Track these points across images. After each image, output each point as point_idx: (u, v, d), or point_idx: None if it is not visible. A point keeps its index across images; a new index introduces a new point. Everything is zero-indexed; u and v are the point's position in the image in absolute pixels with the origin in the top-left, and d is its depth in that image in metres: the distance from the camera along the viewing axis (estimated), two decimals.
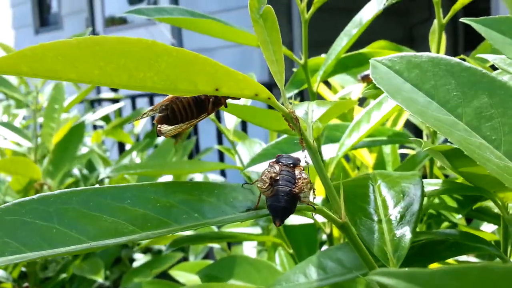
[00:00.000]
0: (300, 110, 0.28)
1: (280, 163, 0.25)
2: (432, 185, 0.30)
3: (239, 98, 0.24)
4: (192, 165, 0.58)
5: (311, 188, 0.24)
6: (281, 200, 0.23)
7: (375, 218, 0.26)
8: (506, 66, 0.31)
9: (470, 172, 0.26)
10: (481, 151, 0.22)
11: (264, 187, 0.23)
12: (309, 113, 0.27)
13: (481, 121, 0.23)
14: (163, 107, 0.26)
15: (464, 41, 2.60)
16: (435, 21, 0.59)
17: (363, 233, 0.25)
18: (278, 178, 0.24)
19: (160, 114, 0.26)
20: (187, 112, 0.26)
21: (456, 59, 0.25)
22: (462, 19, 0.32)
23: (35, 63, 0.18)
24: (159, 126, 0.26)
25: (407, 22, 2.82)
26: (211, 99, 0.26)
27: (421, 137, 0.68)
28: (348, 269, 0.30)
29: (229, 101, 0.28)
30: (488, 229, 0.61)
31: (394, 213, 0.26)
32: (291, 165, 0.25)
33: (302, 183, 0.24)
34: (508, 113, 0.23)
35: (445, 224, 0.55)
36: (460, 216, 0.57)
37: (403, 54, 0.27)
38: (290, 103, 0.25)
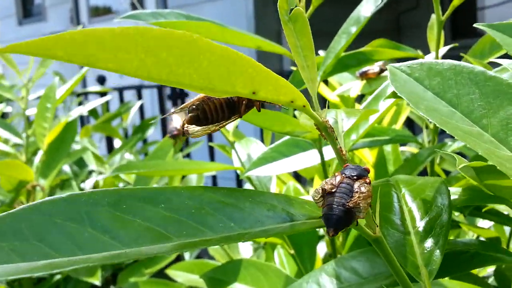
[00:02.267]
0: (329, 118, 0.27)
1: (344, 175, 0.24)
2: (451, 193, 0.30)
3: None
4: (191, 165, 0.57)
5: (369, 203, 0.23)
6: (335, 210, 0.22)
7: (402, 229, 0.26)
8: None
9: (494, 184, 0.26)
10: (509, 164, 0.22)
11: (316, 198, 0.23)
12: (339, 122, 0.26)
13: (508, 133, 0.23)
14: (194, 106, 0.25)
15: (451, 29, 2.61)
16: (433, 16, 0.58)
17: (392, 246, 0.25)
18: (334, 190, 0.23)
19: (190, 114, 0.25)
20: (219, 113, 0.25)
21: (479, 68, 0.25)
22: (475, 25, 0.31)
23: (73, 49, 0.17)
24: (187, 126, 0.25)
25: (394, 10, 2.82)
26: (244, 101, 0.25)
27: (421, 134, 0.67)
28: (364, 279, 0.29)
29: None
30: (484, 225, 0.61)
31: (422, 224, 0.25)
32: (355, 177, 0.23)
33: (359, 197, 0.22)
34: None
35: None
36: (457, 213, 0.57)
37: (423, 61, 0.26)
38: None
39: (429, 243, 0.25)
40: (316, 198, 0.23)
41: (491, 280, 0.55)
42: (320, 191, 0.23)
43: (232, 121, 0.26)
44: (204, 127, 0.25)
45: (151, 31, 0.17)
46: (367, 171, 0.24)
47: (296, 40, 0.24)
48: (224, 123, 0.26)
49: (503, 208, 0.44)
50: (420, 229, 0.25)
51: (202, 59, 0.18)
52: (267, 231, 0.22)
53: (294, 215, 0.23)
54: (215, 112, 0.25)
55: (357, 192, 0.23)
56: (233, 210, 0.22)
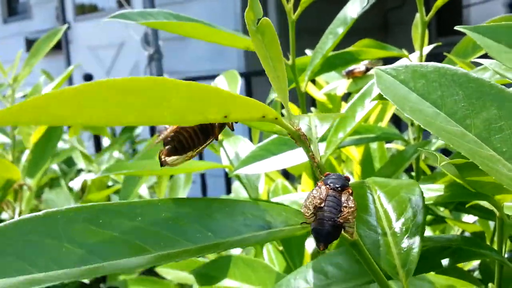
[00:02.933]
0: (302, 124, 0.27)
1: (328, 186, 0.24)
2: (434, 190, 0.30)
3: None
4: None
5: (355, 217, 0.23)
6: (325, 225, 0.22)
7: (379, 230, 0.26)
8: (502, 71, 0.31)
9: (476, 180, 0.27)
10: (492, 163, 0.23)
11: (307, 214, 0.23)
12: (313, 128, 0.27)
13: (491, 132, 0.24)
14: (169, 139, 0.25)
15: (436, 27, 2.63)
16: (418, 15, 0.59)
17: (369, 247, 0.25)
18: (323, 205, 0.23)
19: (167, 147, 0.25)
20: (194, 140, 0.25)
21: (462, 70, 0.25)
22: (456, 27, 0.32)
23: (39, 113, 0.17)
24: (164, 158, 0.25)
25: (381, 7, 2.83)
26: (217, 124, 0.25)
27: (406, 131, 0.68)
28: (349, 274, 0.30)
29: None
30: (469, 219, 0.63)
31: (398, 225, 0.26)
32: (339, 188, 0.24)
33: (348, 212, 0.23)
34: None
35: (429, 217, 0.56)
36: (442, 208, 0.58)
37: (408, 64, 0.27)
38: (295, 120, 0.25)
39: (405, 243, 0.25)
40: (307, 215, 0.23)
41: (476, 274, 0.56)
42: (311, 208, 0.23)
43: (208, 143, 0.26)
44: (183, 156, 0.26)
45: (114, 82, 0.17)
46: (348, 180, 0.25)
47: (265, 51, 0.25)
48: (201, 148, 0.26)
49: (487, 204, 0.45)
50: (397, 229, 0.26)
51: (170, 97, 0.19)
52: (245, 240, 0.22)
53: (271, 222, 0.23)
54: (191, 139, 0.25)
55: (345, 206, 0.23)
56: (210, 221, 0.22)
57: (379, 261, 0.25)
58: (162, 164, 0.26)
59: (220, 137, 0.62)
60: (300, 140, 0.24)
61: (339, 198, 0.23)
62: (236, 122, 0.24)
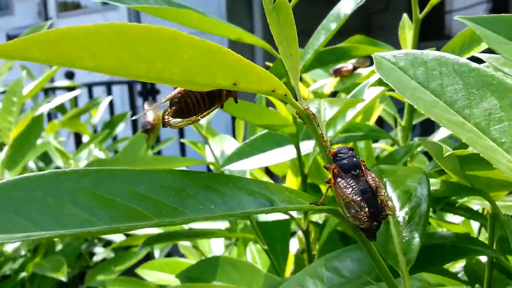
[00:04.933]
0: (311, 108, 0.26)
1: (350, 174, 0.22)
2: (431, 185, 0.30)
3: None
4: (163, 161, 0.56)
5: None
6: (377, 216, 0.21)
7: None
8: (500, 65, 0.31)
9: (473, 175, 0.26)
10: (491, 153, 0.22)
11: (365, 219, 0.21)
12: (322, 111, 0.26)
13: (490, 123, 0.23)
14: (176, 99, 0.25)
15: (419, 32, 2.65)
16: (405, 16, 0.59)
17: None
18: (360, 197, 0.22)
19: (173, 108, 0.25)
20: (200, 105, 0.25)
21: (463, 59, 0.25)
22: (456, 17, 0.31)
23: (49, 49, 0.16)
24: (168, 118, 0.25)
25: (365, 11, 2.85)
26: (224, 92, 0.25)
27: (393, 131, 0.68)
28: (346, 278, 0.29)
29: None
30: (454, 220, 0.62)
31: (402, 214, 0.25)
32: (361, 172, 0.23)
33: (385, 199, 0.22)
34: None
35: None
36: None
37: (408, 51, 0.26)
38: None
39: (407, 232, 0.24)
40: (365, 220, 0.21)
41: (461, 275, 0.56)
42: (363, 213, 0.21)
43: (213, 110, 0.26)
44: (186, 119, 0.25)
45: (128, 27, 0.17)
46: (362, 160, 0.23)
47: (280, 29, 0.24)
48: (205, 113, 0.26)
49: (474, 203, 0.44)
50: (400, 219, 0.25)
51: (182, 52, 0.18)
52: (248, 213, 0.22)
53: (274, 200, 0.23)
54: (197, 103, 0.25)
55: (381, 195, 0.22)
56: (213, 194, 0.22)
57: (380, 249, 0.24)
58: (165, 124, 0.25)
59: (205, 134, 0.60)
60: (309, 119, 0.23)
61: (369, 187, 0.22)
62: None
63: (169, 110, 0.25)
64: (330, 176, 0.23)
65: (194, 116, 0.25)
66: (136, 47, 0.17)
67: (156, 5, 0.40)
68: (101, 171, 0.21)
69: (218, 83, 0.20)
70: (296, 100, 0.23)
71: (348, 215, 0.22)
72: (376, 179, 0.22)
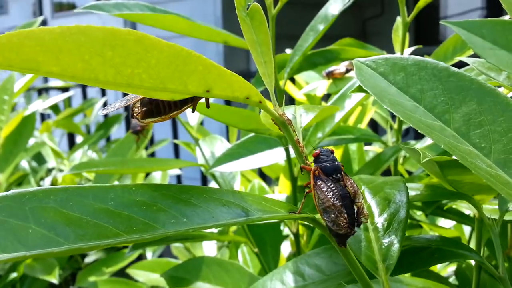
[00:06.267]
0: (288, 114, 0.26)
1: (331, 178, 0.22)
2: (414, 189, 0.30)
3: None
4: (154, 163, 0.56)
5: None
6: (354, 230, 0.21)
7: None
8: (485, 70, 0.31)
9: (457, 179, 0.26)
10: (471, 158, 0.22)
11: (345, 225, 0.21)
12: (297, 117, 0.26)
13: (470, 128, 0.23)
14: (147, 100, 0.25)
15: (414, 38, 2.66)
16: (399, 18, 0.59)
17: (350, 241, 0.24)
18: (341, 203, 0.22)
19: (144, 109, 0.25)
20: (171, 106, 0.25)
21: (443, 64, 0.25)
22: (442, 22, 0.31)
23: (11, 53, 0.16)
24: (136, 115, 0.25)
25: (359, 17, 2.85)
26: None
27: (385, 135, 0.68)
28: (327, 276, 0.29)
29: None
30: (445, 224, 0.62)
31: (381, 221, 0.25)
32: (341, 177, 0.22)
33: (362, 206, 0.22)
34: (498, 121, 0.23)
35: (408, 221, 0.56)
36: (419, 213, 0.57)
37: (388, 56, 0.26)
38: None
39: (386, 238, 0.25)
40: (345, 226, 0.21)
41: (452, 279, 0.56)
42: (344, 220, 0.21)
43: (183, 111, 0.26)
44: (156, 118, 0.26)
45: (94, 30, 0.17)
46: (341, 165, 0.23)
47: (253, 36, 0.24)
48: (176, 112, 0.26)
49: (464, 208, 0.44)
50: (379, 225, 0.25)
51: (150, 57, 0.18)
52: (221, 225, 0.21)
53: (249, 210, 0.22)
54: (168, 105, 0.25)
55: (358, 203, 0.22)
56: (186, 206, 0.21)
57: (359, 256, 0.24)
58: (133, 117, 0.26)
59: (196, 135, 0.60)
60: (284, 125, 0.23)
61: (348, 193, 0.22)
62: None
63: (139, 107, 0.25)
64: (310, 179, 0.23)
65: (164, 115, 0.25)
66: (102, 51, 0.17)
67: (139, 12, 0.40)
68: (67, 188, 0.20)
69: (190, 90, 0.19)
70: (273, 105, 0.23)
71: (326, 219, 0.22)
72: (355, 185, 0.22)
